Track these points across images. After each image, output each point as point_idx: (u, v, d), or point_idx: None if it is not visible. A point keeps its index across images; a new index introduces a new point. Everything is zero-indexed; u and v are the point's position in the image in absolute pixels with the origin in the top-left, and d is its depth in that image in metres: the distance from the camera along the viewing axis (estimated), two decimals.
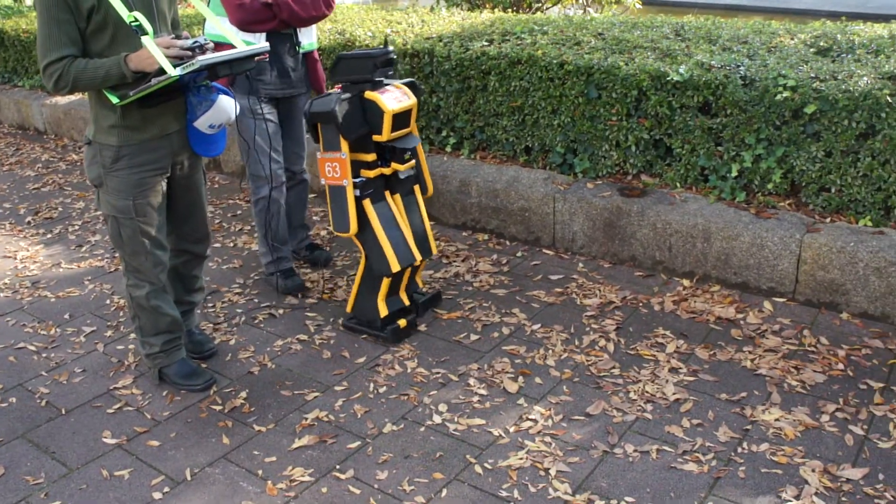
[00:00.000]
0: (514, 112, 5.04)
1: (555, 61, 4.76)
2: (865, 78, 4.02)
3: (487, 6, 8.51)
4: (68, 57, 3.01)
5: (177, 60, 2.97)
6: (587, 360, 3.71)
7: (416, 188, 4.10)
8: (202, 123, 3.27)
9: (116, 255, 5.11)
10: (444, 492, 2.95)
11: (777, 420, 3.24)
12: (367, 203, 3.82)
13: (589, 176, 4.84)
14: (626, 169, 4.75)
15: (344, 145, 3.68)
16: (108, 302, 4.52)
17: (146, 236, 3.38)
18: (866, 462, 3.00)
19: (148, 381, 3.72)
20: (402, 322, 3.96)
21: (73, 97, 7.96)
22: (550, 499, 2.89)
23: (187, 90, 3.22)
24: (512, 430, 3.27)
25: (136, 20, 2.99)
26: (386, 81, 3.77)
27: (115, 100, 3.08)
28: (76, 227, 5.68)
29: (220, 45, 3.72)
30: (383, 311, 3.95)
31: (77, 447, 3.29)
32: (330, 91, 3.76)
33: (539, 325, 4.03)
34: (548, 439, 3.21)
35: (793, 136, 4.15)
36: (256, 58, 3.14)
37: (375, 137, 3.75)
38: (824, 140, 4.08)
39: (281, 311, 4.30)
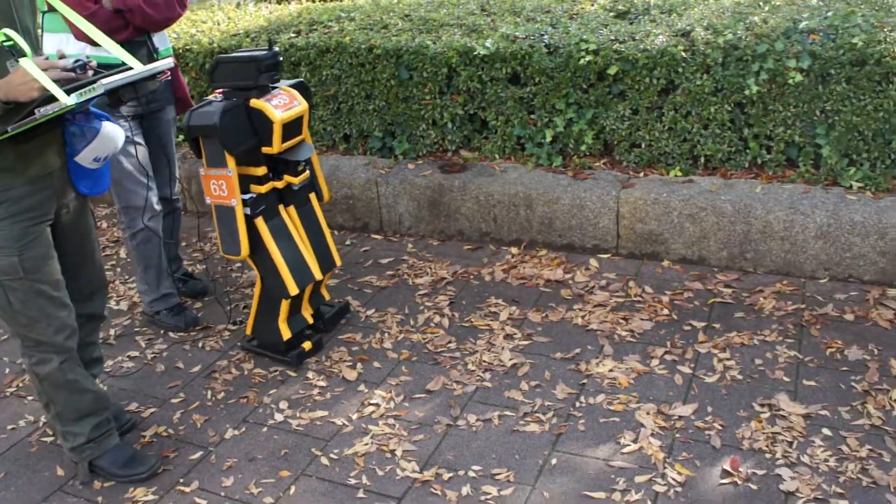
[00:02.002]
0: (329, 101, 4.98)
1: (363, 46, 4.73)
2: (661, 36, 4.18)
3: None
4: None
5: (63, 84, 2.43)
6: (423, 339, 3.71)
7: (312, 196, 3.76)
8: (86, 157, 2.72)
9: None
10: (293, 489, 2.89)
11: (611, 371, 3.33)
12: (259, 222, 3.47)
13: (409, 157, 4.84)
14: (446, 146, 4.78)
15: (230, 161, 3.31)
16: None
17: (43, 296, 2.78)
18: (695, 398, 3.12)
19: None
20: (308, 344, 3.67)
21: None
22: (399, 479, 2.87)
23: (63, 119, 2.63)
24: (355, 417, 3.23)
25: (9, 38, 2.43)
26: (272, 86, 3.43)
27: None
28: None
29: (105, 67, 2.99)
30: (286, 333, 3.63)
31: None
32: (210, 98, 3.40)
33: (373, 310, 4.00)
34: (391, 421, 3.18)
35: (600, 98, 4.27)
36: (159, 77, 2.72)
37: (265, 149, 3.40)
38: (629, 98, 4.22)
39: (112, 332, 4.09)
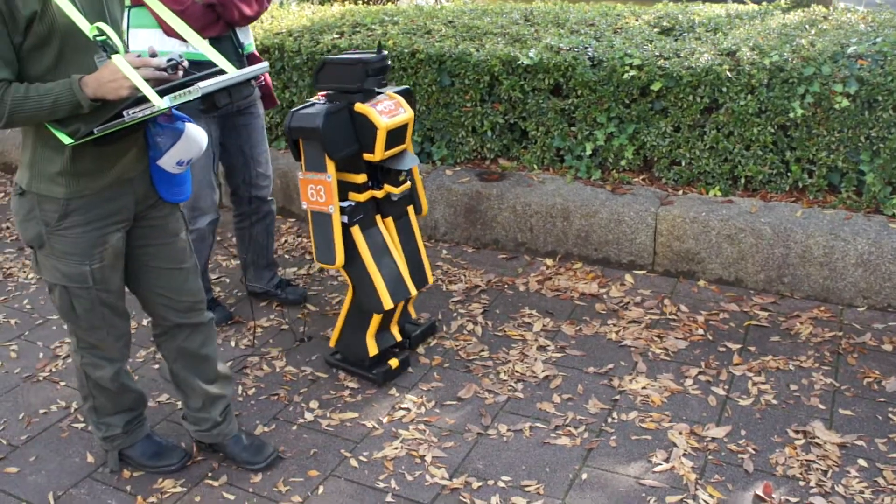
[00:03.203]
0: None
1: (406, 50, 4.74)
2: (706, 55, 4.16)
3: None
4: (2, 82, 2.25)
5: (153, 85, 2.29)
6: (456, 346, 3.71)
7: (410, 208, 3.61)
8: (169, 161, 2.56)
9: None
10: (321, 489, 2.89)
11: (644, 388, 3.32)
12: (355, 231, 3.33)
13: (447, 163, 4.84)
14: (484, 154, 4.78)
15: (330, 166, 3.18)
16: None
17: (107, 306, 2.70)
18: (729, 420, 3.10)
19: (2, 405, 3.50)
20: (394, 362, 3.51)
21: None
22: (428, 485, 2.87)
23: (146, 121, 2.46)
24: (385, 420, 3.24)
25: (102, 33, 2.27)
26: (378, 91, 3.29)
27: (66, 139, 2.31)
28: None
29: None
30: (373, 349, 3.48)
31: None
32: (312, 100, 3.28)
33: None
34: (421, 426, 3.19)
35: (642, 114, 4.26)
36: (254, 80, 2.58)
37: (366, 156, 3.25)
38: (672, 115, 4.20)
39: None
